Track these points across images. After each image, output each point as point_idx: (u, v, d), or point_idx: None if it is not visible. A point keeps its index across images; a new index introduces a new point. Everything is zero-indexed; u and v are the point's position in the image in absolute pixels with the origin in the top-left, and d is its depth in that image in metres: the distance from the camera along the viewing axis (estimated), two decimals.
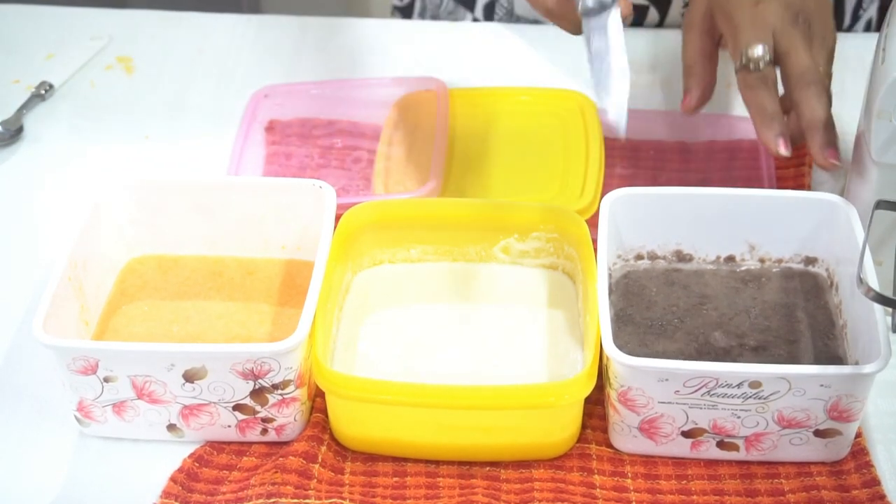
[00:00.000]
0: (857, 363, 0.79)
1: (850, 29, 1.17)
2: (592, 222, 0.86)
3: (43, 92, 1.11)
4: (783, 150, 0.88)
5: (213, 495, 0.78)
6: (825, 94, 0.89)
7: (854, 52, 1.08)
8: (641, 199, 0.86)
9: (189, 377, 0.78)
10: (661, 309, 0.85)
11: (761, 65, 0.88)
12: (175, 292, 0.89)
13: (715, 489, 0.78)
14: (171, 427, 0.81)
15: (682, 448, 0.79)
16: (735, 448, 0.79)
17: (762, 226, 0.87)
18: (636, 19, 1.15)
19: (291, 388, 0.78)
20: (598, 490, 0.78)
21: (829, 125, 0.88)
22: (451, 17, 1.22)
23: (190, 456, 0.81)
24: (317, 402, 0.83)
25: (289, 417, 0.80)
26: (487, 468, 0.80)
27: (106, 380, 0.78)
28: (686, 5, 1.01)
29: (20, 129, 1.07)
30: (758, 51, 0.88)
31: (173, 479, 0.79)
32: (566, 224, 0.87)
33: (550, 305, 0.87)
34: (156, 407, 0.79)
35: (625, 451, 0.81)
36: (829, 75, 0.92)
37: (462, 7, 1.21)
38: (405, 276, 0.90)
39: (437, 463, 0.80)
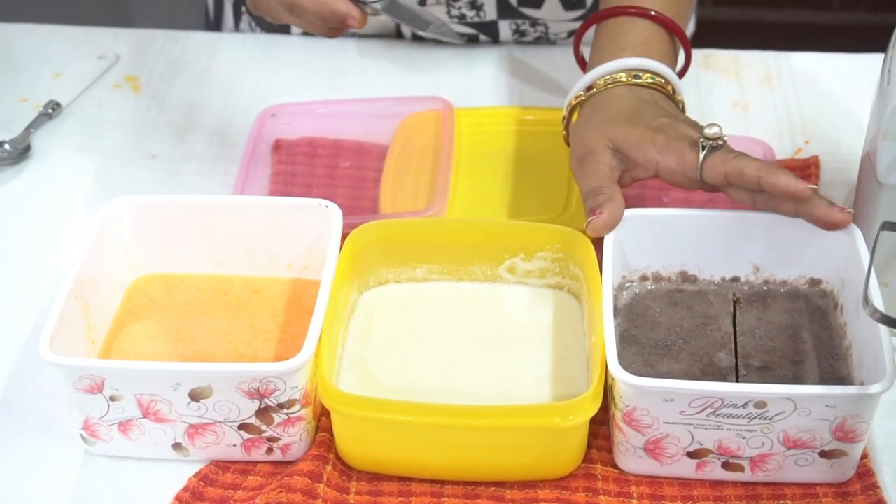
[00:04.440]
0: (862, 384, 0.79)
1: None
2: (598, 242, 0.86)
3: (51, 111, 1.11)
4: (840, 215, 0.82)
5: None
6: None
7: (860, 73, 1.09)
8: (646, 221, 0.86)
9: (195, 396, 0.78)
10: (665, 329, 0.85)
11: (721, 141, 0.83)
12: (181, 311, 0.89)
13: None
14: (177, 446, 0.81)
15: (687, 469, 0.79)
16: (740, 469, 0.79)
17: (767, 247, 0.87)
18: None
19: (297, 407, 0.78)
20: None
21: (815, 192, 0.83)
22: None
23: (195, 475, 0.81)
24: (322, 421, 0.83)
25: (294, 437, 0.80)
26: (492, 488, 0.80)
27: (112, 398, 0.78)
28: (566, 127, 0.93)
29: (28, 148, 1.07)
30: (714, 129, 0.83)
31: (178, 499, 0.79)
32: (572, 244, 0.87)
33: (556, 325, 0.87)
34: (161, 426, 0.80)
35: (630, 472, 0.81)
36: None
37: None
38: (411, 296, 0.90)
39: (443, 483, 0.80)
